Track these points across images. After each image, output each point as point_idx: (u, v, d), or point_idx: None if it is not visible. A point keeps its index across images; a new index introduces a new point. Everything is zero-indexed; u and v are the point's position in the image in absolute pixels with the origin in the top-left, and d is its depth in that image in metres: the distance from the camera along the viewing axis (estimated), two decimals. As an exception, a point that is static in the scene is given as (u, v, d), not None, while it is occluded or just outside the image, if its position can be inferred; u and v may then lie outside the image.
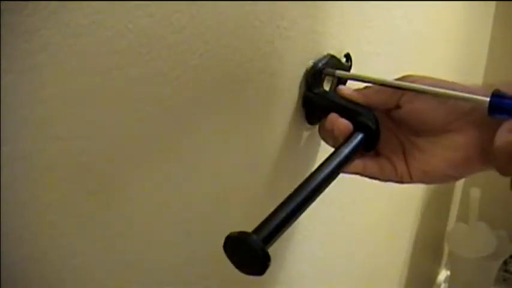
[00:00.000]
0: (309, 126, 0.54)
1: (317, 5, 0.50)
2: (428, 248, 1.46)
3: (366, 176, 0.49)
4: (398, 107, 0.47)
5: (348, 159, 0.45)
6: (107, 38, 0.30)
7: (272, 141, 0.50)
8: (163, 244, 0.41)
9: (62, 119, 0.29)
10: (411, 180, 0.48)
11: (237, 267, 0.37)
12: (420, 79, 0.46)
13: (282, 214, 0.39)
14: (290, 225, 0.39)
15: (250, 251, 0.36)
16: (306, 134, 0.55)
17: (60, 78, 0.29)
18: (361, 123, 0.47)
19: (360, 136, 0.46)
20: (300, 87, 0.50)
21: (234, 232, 0.37)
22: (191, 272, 0.45)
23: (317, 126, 0.55)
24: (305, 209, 0.40)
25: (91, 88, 0.31)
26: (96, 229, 0.34)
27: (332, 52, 0.53)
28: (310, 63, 0.50)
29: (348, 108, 0.48)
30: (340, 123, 0.47)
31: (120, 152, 0.34)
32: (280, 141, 0.51)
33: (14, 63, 0.26)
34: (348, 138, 0.46)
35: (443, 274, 1.70)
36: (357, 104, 0.48)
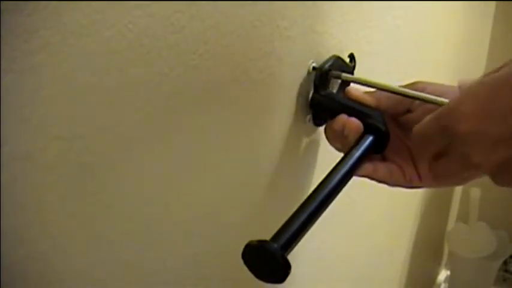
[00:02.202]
0: (308, 126, 0.54)
1: (317, 5, 0.50)
2: (428, 248, 1.46)
3: (375, 179, 0.48)
4: (409, 111, 0.47)
5: (360, 161, 0.44)
6: (107, 38, 0.30)
7: (272, 141, 0.50)
8: (163, 244, 0.41)
9: (62, 119, 0.29)
10: (421, 183, 0.48)
11: (256, 275, 0.37)
12: (429, 86, 0.46)
13: (299, 220, 0.38)
14: (308, 230, 0.39)
15: (270, 259, 0.36)
16: (305, 133, 0.55)
17: (60, 78, 0.29)
18: (371, 125, 0.46)
19: (370, 138, 0.46)
20: (300, 87, 0.50)
21: (253, 241, 0.36)
22: (191, 272, 0.45)
23: (316, 127, 0.55)
24: (321, 213, 0.40)
25: (91, 88, 0.31)
26: (96, 229, 0.34)
27: (332, 52, 0.53)
28: (311, 63, 0.50)
29: (357, 110, 0.48)
30: (351, 122, 0.47)
31: (120, 152, 0.34)
32: (280, 141, 0.51)
33: (14, 63, 0.26)
34: (358, 140, 0.46)
35: (443, 274, 1.70)
36: (366, 106, 0.48)
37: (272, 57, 0.45)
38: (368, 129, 0.46)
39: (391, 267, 1.15)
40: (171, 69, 0.36)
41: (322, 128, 0.54)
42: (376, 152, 0.47)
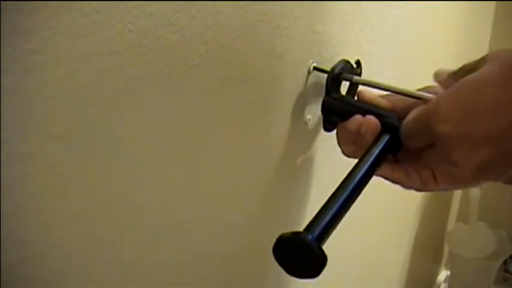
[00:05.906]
0: (308, 126, 0.54)
1: (317, 5, 0.50)
2: (428, 248, 1.46)
3: (391, 180, 0.48)
4: None
5: (381, 159, 0.44)
6: (107, 38, 0.30)
7: (272, 141, 0.50)
8: (163, 244, 0.41)
9: (62, 119, 0.29)
10: (437, 186, 0.47)
11: (287, 271, 0.36)
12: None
13: (331, 212, 0.38)
14: (339, 222, 0.39)
15: (305, 250, 0.35)
16: (305, 134, 0.55)
17: (60, 78, 0.29)
18: (388, 124, 0.46)
19: (387, 137, 0.45)
20: (300, 87, 0.50)
21: (286, 233, 0.35)
22: (191, 272, 0.45)
23: (316, 128, 0.55)
24: (351, 205, 0.40)
25: (91, 88, 0.31)
26: (96, 229, 0.34)
27: (332, 52, 0.53)
28: (311, 63, 0.50)
29: (372, 111, 0.47)
30: (369, 120, 0.46)
31: (120, 152, 0.34)
32: (280, 141, 0.51)
33: (14, 63, 0.26)
34: (377, 139, 0.45)
35: (443, 274, 1.71)
36: (379, 107, 0.48)
37: (272, 57, 0.45)
38: (385, 129, 0.46)
39: (391, 267, 1.15)
40: (171, 69, 0.36)
41: (322, 129, 0.54)
42: (392, 152, 0.47)
